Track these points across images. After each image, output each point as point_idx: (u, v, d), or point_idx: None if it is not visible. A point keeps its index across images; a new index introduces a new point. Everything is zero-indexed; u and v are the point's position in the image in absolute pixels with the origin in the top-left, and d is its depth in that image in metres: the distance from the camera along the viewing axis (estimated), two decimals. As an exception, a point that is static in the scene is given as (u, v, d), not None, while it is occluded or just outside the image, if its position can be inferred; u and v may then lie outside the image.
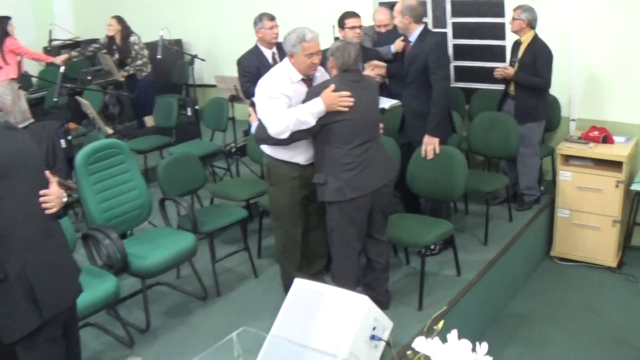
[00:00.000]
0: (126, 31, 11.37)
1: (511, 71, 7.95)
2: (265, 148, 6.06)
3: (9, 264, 3.94)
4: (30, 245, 4.08)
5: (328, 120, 5.52)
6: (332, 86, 5.46)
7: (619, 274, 8.20)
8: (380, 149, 5.85)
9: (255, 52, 7.61)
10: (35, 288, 4.03)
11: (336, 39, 7.81)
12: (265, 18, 7.63)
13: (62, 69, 8.50)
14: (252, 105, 6.00)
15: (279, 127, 5.57)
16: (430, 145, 6.81)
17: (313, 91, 5.63)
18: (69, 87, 8.86)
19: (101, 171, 6.43)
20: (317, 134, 5.63)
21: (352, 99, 5.47)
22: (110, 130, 8.70)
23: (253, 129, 5.91)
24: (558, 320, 7.31)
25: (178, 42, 13.17)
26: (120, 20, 11.36)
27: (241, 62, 7.58)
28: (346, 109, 5.47)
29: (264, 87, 5.78)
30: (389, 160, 5.97)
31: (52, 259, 4.22)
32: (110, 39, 11.53)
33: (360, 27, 7.39)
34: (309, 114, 5.48)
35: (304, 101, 5.62)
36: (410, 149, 7.03)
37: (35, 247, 4.11)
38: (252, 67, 7.38)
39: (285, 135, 5.61)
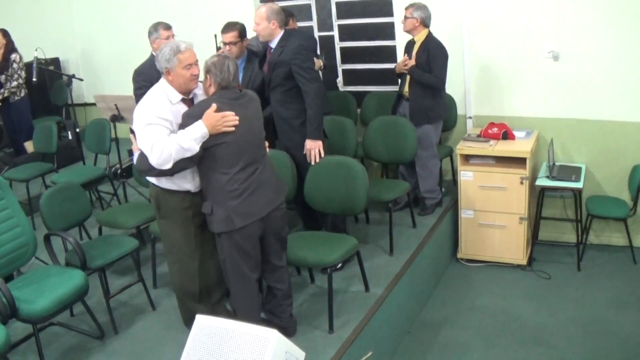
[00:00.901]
0: (10, 46, 10.95)
1: (412, 62, 7.73)
2: (151, 178, 5.64)
3: None
4: None
5: (210, 143, 5.14)
6: (214, 106, 5.07)
7: (529, 271, 8.18)
8: (268, 170, 5.52)
9: (153, 63, 7.19)
10: None
11: (218, 49, 7.55)
12: (160, 27, 7.18)
13: None
14: (132, 132, 5.55)
15: (160, 157, 5.12)
16: (314, 149, 6.65)
17: (191, 114, 5.22)
18: None
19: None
20: (201, 160, 5.25)
21: (236, 118, 5.13)
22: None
23: (135, 159, 5.45)
24: (474, 326, 7.18)
25: (55, 61, 12.72)
26: (5, 33, 10.94)
27: (142, 72, 6.96)
28: (232, 129, 5.11)
29: (141, 113, 5.33)
30: (278, 182, 5.67)
31: None
32: None
33: (236, 43, 7.16)
34: (192, 139, 5.06)
35: (183, 125, 5.21)
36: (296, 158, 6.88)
37: None
38: (153, 78, 6.96)
39: (168, 166, 5.16)
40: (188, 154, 5.11)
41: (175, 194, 5.54)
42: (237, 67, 5.36)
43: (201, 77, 5.51)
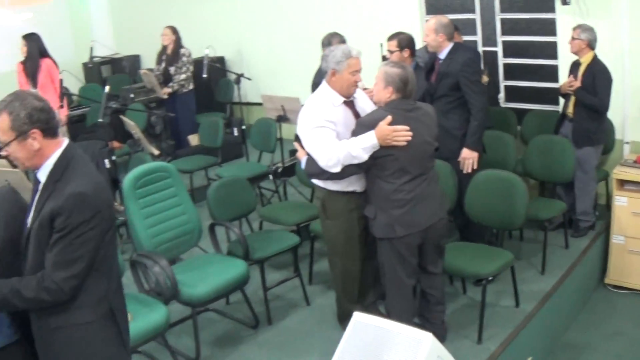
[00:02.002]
0: (179, 42, 11.43)
1: (578, 83, 7.68)
2: (318, 181, 5.81)
3: (100, 306, 3.87)
4: (118, 287, 4.07)
5: (379, 154, 5.26)
6: (388, 118, 5.17)
7: (679, 303, 7.93)
8: (433, 183, 5.59)
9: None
10: (121, 328, 4.00)
11: (384, 57, 7.65)
12: (334, 40, 7.26)
13: (106, 88, 8.38)
14: (297, 139, 5.76)
15: (330, 160, 5.34)
16: (469, 159, 6.75)
17: (364, 122, 5.36)
18: (114, 107, 8.73)
19: (149, 195, 6.33)
20: (368, 167, 5.37)
21: (409, 134, 5.20)
22: (156, 151, 8.56)
23: (303, 165, 5.66)
24: (616, 353, 7.01)
25: (221, 60, 13.08)
26: (174, 30, 11.44)
27: (317, 83, 7.20)
28: (403, 144, 5.20)
29: (307, 117, 5.57)
30: (442, 195, 5.74)
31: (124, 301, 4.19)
32: (163, 48, 11.60)
33: (393, 52, 7.18)
34: (361, 148, 5.23)
35: (355, 132, 5.38)
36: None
37: (119, 288, 4.09)
38: None
39: (337, 169, 5.37)
40: (355, 161, 5.28)
41: (342, 195, 5.71)
42: (414, 75, 5.43)
43: (364, 84, 5.73)
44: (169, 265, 5.88)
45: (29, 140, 3.63)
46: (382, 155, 5.26)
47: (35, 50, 10.10)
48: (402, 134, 5.18)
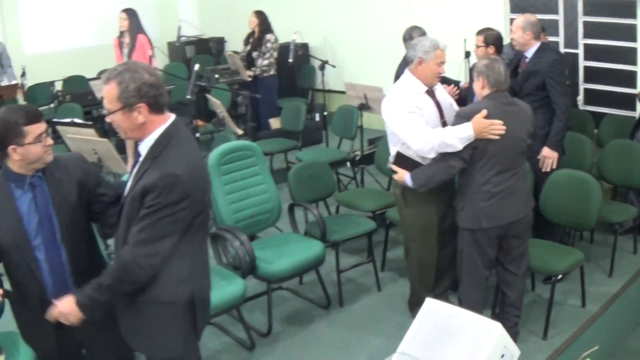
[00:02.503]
0: (264, 26, 11.63)
1: None
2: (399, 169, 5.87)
3: (182, 289, 3.94)
4: (203, 272, 4.15)
5: (472, 145, 5.37)
6: (485, 112, 5.28)
7: None
8: (522, 180, 5.65)
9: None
10: (197, 316, 4.06)
11: (467, 53, 7.74)
12: (416, 33, 7.36)
13: (196, 67, 8.56)
14: (396, 161, 5.84)
15: (424, 145, 5.46)
16: (549, 159, 6.80)
17: (462, 113, 5.48)
18: (202, 85, 8.92)
19: (233, 172, 6.49)
20: None
21: (503, 127, 5.30)
22: (240, 131, 8.73)
23: (409, 182, 5.70)
24: None
25: (304, 46, 13.23)
26: (259, 14, 11.65)
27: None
28: (496, 137, 5.31)
29: (396, 104, 5.70)
30: (529, 193, 5.81)
31: (209, 288, 4.28)
32: (252, 32, 11.85)
33: (479, 47, 7.23)
34: (457, 138, 5.34)
35: (453, 123, 5.51)
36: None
37: (205, 274, 4.19)
38: None
39: (431, 155, 5.51)
40: (449, 150, 5.40)
41: None
42: (507, 69, 5.54)
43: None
44: (249, 241, 6.05)
45: (135, 113, 3.64)
46: (475, 147, 5.37)
47: (134, 25, 10.41)
48: (497, 128, 5.29)
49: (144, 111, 3.66)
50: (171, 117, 3.85)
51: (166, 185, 3.62)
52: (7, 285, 4.35)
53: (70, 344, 4.45)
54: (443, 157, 5.47)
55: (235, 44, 13.81)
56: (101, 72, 12.89)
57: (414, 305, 5.91)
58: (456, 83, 7.58)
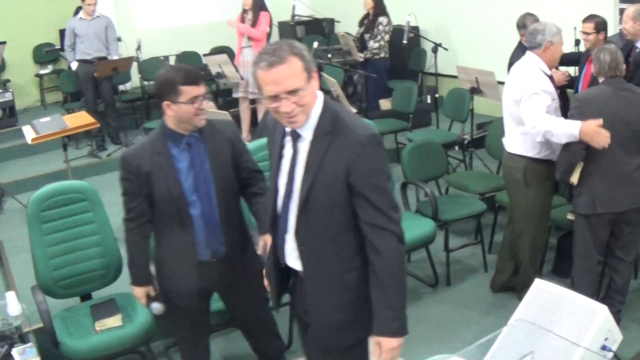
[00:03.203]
0: (378, 9, 11.69)
1: None
2: (525, 149, 6.00)
3: None
4: None
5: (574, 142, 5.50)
6: (600, 121, 5.29)
7: None
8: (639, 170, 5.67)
9: (520, 53, 7.34)
10: None
11: (577, 41, 7.75)
12: (529, 20, 7.42)
13: (315, 44, 8.67)
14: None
15: (534, 127, 5.61)
16: None
17: (579, 97, 5.65)
18: (320, 62, 9.04)
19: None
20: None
21: (608, 141, 5.29)
22: (354, 110, 8.84)
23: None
24: None
25: (415, 29, 13.25)
26: None
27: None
28: (599, 147, 5.32)
29: (527, 83, 5.80)
30: None
31: None
32: (366, 14, 11.96)
33: (589, 34, 7.27)
34: (563, 132, 5.45)
35: (571, 115, 5.60)
36: None
37: None
38: None
39: (538, 138, 5.69)
40: (553, 139, 5.57)
41: (543, 163, 5.95)
42: (617, 56, 5.59)
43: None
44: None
45: (312, 81, 3.38)
46: (576, 143, 5.47)
47: (258, 3, 10.64)
48: (602, 139, 5.31)
49: (316, 77, 3.44)
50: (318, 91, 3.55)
51: (374, 148, 3.43)
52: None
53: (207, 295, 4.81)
54: (566, 145, 5.57)
55: (345, 25, 13.90)
56: (214, 49, 13.22)
57: (522, 286, 5.96)
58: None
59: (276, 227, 3.73)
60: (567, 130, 5.42)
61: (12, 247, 7.65)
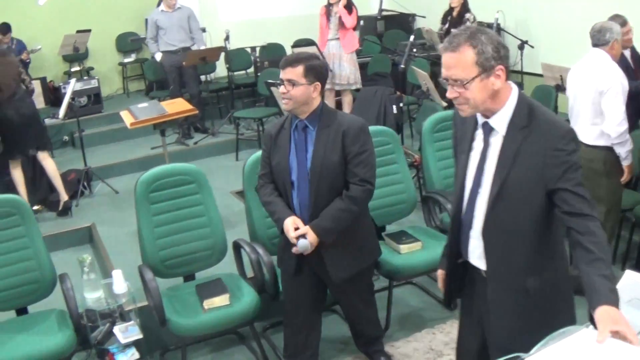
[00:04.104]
0: (466, 6, 11.72)
1: None
2: (605, 140, 6.11)
3: None
4: None
5: None
6: None
7: None
8: None
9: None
10: None
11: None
12: (618, 20, 7.35)
13: (411, 38, 8.72)
14: None
15: (619, 128, 5.89)
16: None
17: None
18: (411, 54, 9.11)
19: (441, 141, 6.67)
20: None
21: None
22: (444, 103, 8.89)
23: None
24: None
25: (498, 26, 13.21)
26: None
27: None
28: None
29: (614, 81, 5.96)
30: None
31: None
32: (450, 9, 11.93)
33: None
34: (629, 141, 5.94)
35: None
36: None
37: None
38: None
39: (613, 134, 5.93)
40: (620, 141, 5.94)
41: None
42: None
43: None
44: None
45: (492, 78, 3.24)
46: None
47: None
48: None
49: (502, 75, 3.27)
50: (513, 84, 3.41)
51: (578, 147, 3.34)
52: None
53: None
54: None
55: (427, 20, 13.95)
56: (298, 41, 13.33)
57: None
58: None
59: (460, 222, 3.63)
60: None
61: (102, 230, 7.95)
